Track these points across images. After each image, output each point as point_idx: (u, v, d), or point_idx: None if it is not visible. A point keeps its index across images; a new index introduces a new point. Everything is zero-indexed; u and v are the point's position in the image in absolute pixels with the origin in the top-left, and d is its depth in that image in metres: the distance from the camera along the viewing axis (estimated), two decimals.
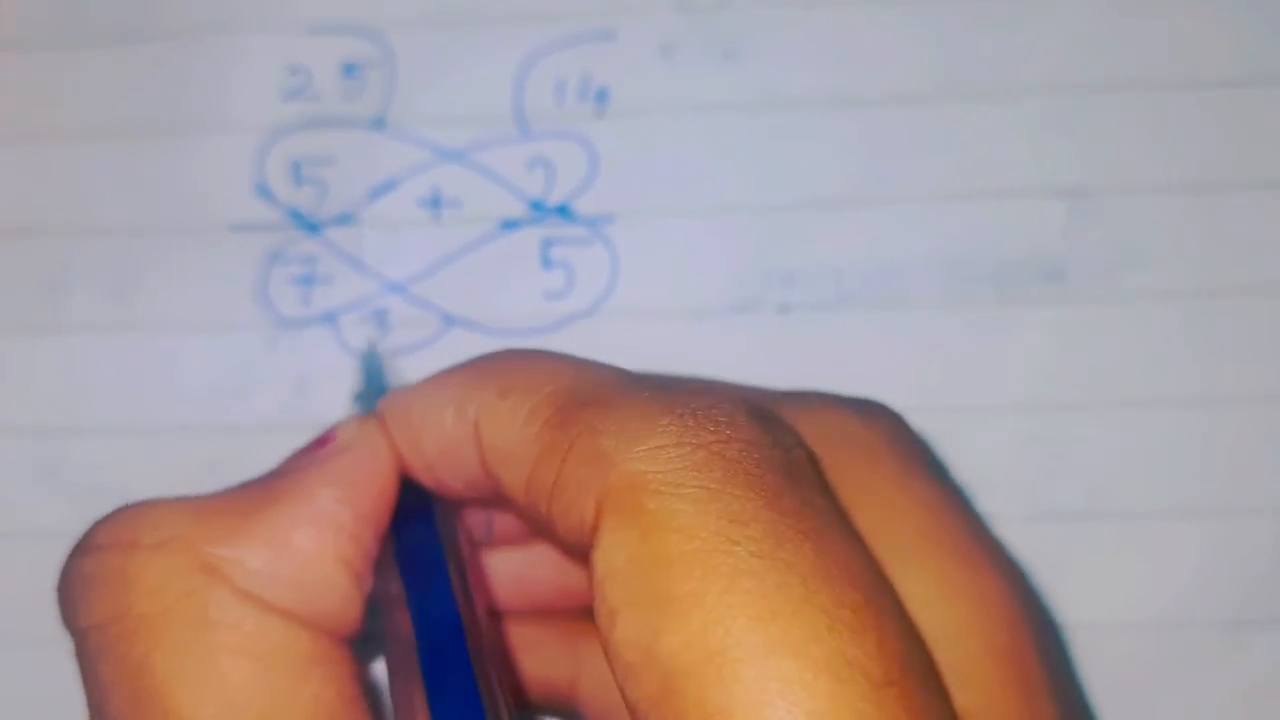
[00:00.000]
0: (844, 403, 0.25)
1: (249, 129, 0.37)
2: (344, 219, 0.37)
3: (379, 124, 0.37)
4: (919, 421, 0.34)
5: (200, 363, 0.37)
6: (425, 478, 0.25)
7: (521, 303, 0.36)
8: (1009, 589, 0.23)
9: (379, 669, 0.30)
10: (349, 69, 0.37)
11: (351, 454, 0.25)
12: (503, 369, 0.23)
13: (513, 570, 0.29)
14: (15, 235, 0.38)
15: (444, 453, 0.24)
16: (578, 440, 0.20)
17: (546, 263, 0.36)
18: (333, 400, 0.36)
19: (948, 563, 0.22)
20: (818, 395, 0.25)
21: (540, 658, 0.29)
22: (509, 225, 0.37)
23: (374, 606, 0.25)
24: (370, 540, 0.24)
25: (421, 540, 0.24)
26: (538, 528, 0.22)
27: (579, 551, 0.20)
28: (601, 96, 0.37)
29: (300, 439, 0.36)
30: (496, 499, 0.24)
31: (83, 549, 0.24)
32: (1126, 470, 0.35)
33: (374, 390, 0.33)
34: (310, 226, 0.37)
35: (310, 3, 0.38)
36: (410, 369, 0.36)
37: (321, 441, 0.25)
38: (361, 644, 0.25)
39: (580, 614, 0.30)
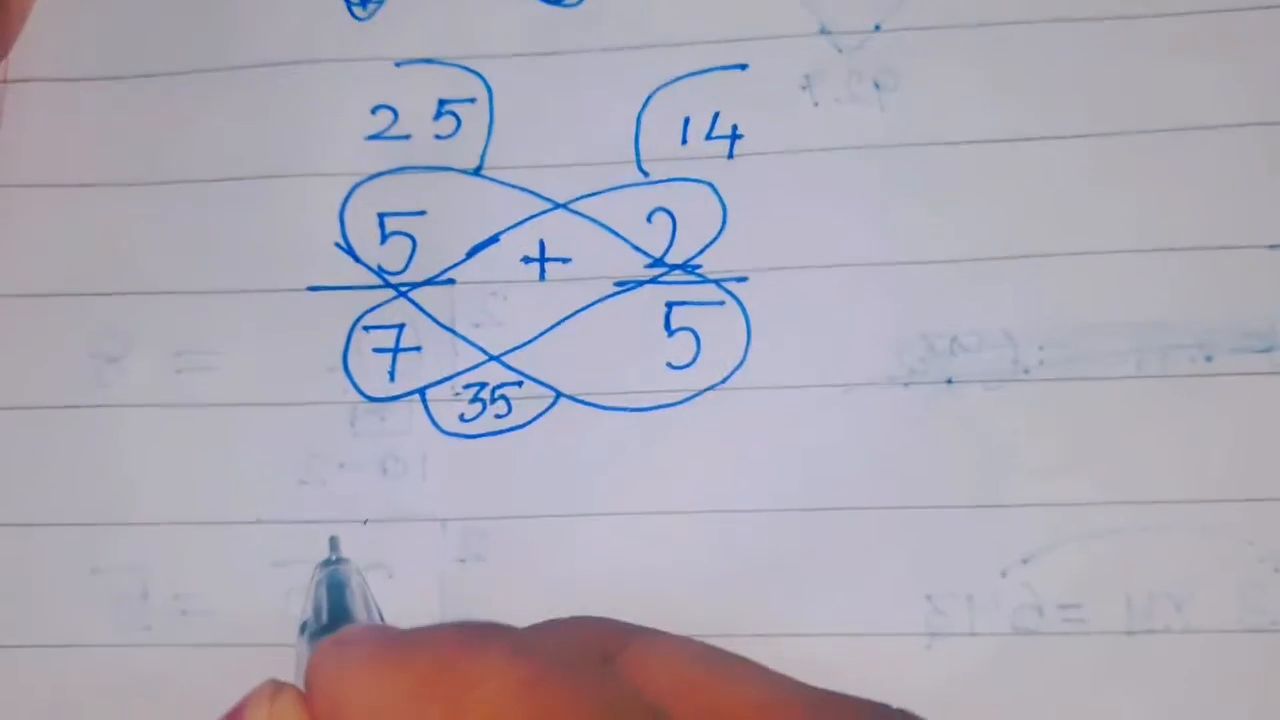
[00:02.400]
0: None
1: (328, 175, 0.33)
2: (436, 279, 0.32)
3: (476, 169, 0.33)
4: (1110, 518, 0.30)
5: (271, 445, 0.32)
6: None
7: (641, 374, 0.32)
8: None
9: None
10: (442, 106, 0.33)
11: None
12: (453, 682, 0.20)
13: None
14: (63, 297, 0.33)
15: None
16: None
17: (669, 327, 0.32)
18: (423, 490, 0.32)
19: None
20: (840, 710, 0.21)
21: None
22: (625, 285, 0.32)
23: None
24: None
25: None
26: None
27: None
28: (733, 136, 0.32)
29: (385, 533, 0.31)
30: None
31: None
32: None
33: (332, 623, 0.27)
34: (398, 287, 0.32)
35: (398, 32, 0.33)
36: (514, 451, 0.32)
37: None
38: None
39: None
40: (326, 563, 0.27)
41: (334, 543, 0.29)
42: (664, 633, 0.22)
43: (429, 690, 0.20)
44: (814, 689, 0.21)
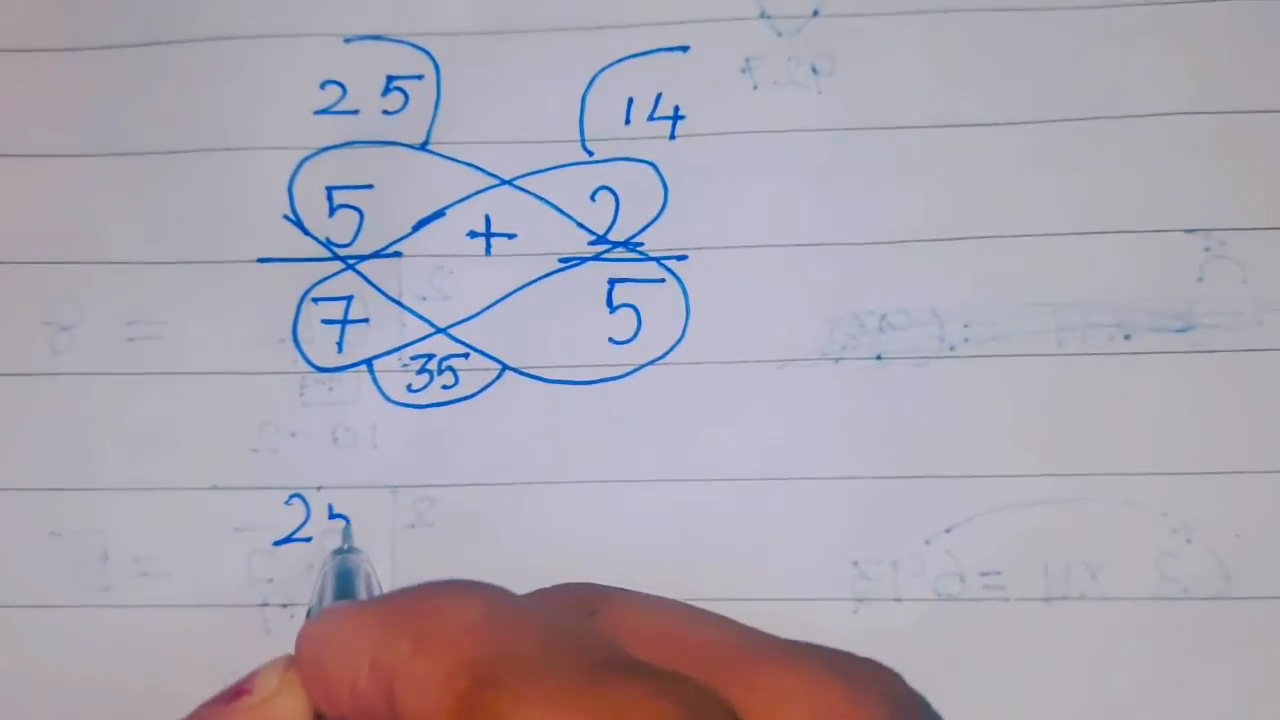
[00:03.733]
0: (839, 673, 0.21)
1: (278, 148, 0.34)
2: (384, 251, 0.33)
3: (423, 144, 0.33)
4: (1030, 490, 0.31)
5: (222, 414, 0.33)
6: None
7: (584, 348, 0.33)
8: None
9: None
10: (390, 82, 0.34)
11: (266, 710, 0.22)
12: (421, 616, 0.21)
13: None
14: (15, 265, 0.34)
15: (361, 710, 0.21)
16: None
17: (611, 303, 0.33)
18: (373, 458, 0.32)
19: None
20: (814, 656, 0.22)
21: None
22: (569, 261, 0.33)
23: None
24: None
25: None
26: None
27: None
28: (674, 117, 0.33)
29: (336, 499, 0.32)
30: None
31: None
32: (1266, 547, 0.31)
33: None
34: (346, 260, 0.33)
35: (347, 8, 0.34)
36: (461, 421, 0.32)
37: (237, 692, 0.22)
38: None
39: None
40: (337, 551, 0.28)
41: (346, 532, 0.30)
42: (646, 593, 0.23)
43: (399, 623, 0.20)
44: (788, 640, 0.22)
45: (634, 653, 0.19)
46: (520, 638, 0.20)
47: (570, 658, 0.19)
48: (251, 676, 0.23)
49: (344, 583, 0.26)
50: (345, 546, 0.28)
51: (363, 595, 0.26)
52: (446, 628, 0.20)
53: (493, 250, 0.33)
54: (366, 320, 0.33)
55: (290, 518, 0.32)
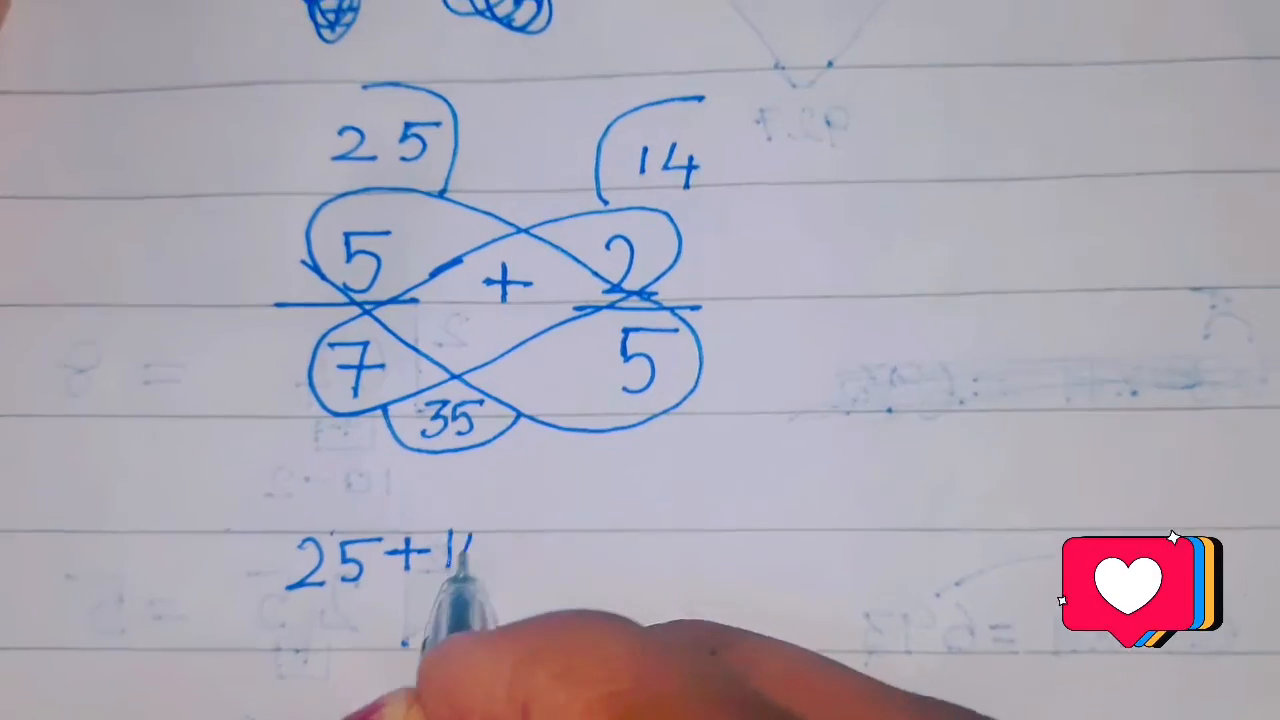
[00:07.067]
0: None
1: (296, 193, 0.34)
2: (400, 298, 0.33)
3: (440, 192, 0.34)
4: (1038, 543, 0.31)
5: (237, 457, 0.33)
6: None
7: (597, 396, 0.33)
8: None
9: None
10: (408, 129, 0.34)
11: None
12: (561, 647, 0.20)
13: None
14: (32, 308, 0.34)
15: None
16: None
17: (626, 352, 0.33)
18: (387, 504, 0.33)
19: None
20: (935, 711, 0.22)
21: None
22: (584, 309, 0.33)
23: None
24: None
25: None
26: None
27: None
28: (689, 167, 0.33)
29: (353, 548, 0.32)
30: None
31: None
32: (1272, 603, 0.31)
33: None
34: (362, 305, 0.33)
35: (366, 55, 0.34)
36: (475, 468, 0.33)
37: (364, 718, 0.22)
38: None
39: None
40: (454, 580, 0.27)
41: (463, 560, 0.29)
42: (763, 635, 0.23)
43: (538, 656, 0.20)
44: (908, 692, 0.22)
45: (757, 687, 0.20)
46: (661, 675, 0.20)
47: (713, 697, 0.19)
48: (378, 705, 0.23)
49: (459, 612, 0.26)
50: (461, 575, 0.27)
51: (477, 625, 0.25)
52: (588, 659, 0.20)
53: (509, 298, 0.33)
54: (382, 366, 0.33)
55: (303, 562, 0.32)
